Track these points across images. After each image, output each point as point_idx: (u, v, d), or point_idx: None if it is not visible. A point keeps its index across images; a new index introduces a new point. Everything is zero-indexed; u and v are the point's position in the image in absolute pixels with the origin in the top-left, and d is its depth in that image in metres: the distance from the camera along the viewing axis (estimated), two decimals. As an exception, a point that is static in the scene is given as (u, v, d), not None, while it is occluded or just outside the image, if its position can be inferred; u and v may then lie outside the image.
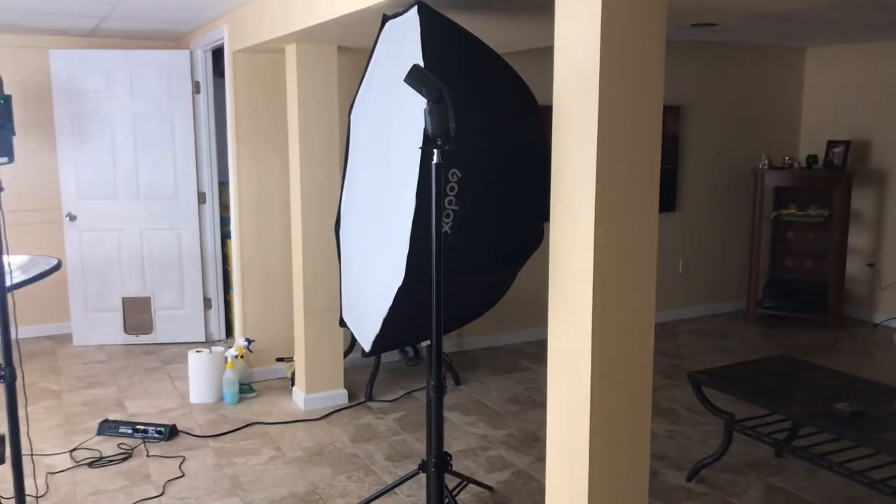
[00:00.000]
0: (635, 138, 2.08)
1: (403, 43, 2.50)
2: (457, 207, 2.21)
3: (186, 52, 5.50)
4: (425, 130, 2.15)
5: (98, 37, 5.81)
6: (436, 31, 2.32)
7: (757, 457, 3.81)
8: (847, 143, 6.15)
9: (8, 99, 1.99)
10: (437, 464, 2.02)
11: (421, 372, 5.18)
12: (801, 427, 3.62)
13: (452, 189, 2.17)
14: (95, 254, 5.63)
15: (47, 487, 3.49)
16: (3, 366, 2.19)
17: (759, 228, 6.37)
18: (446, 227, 2.25)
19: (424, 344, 2.69)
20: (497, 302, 2.74)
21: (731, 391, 3.34)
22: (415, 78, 1.83)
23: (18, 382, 4.87)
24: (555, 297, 2.20)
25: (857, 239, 6.46)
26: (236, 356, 4.59)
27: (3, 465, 3.55)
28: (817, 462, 3.05)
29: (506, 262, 2.54)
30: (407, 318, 2.37)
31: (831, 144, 6.26)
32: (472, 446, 3.97)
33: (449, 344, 5.58)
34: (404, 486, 3.48)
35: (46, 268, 2.86)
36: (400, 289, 2.23)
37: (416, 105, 2.31)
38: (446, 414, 4.39)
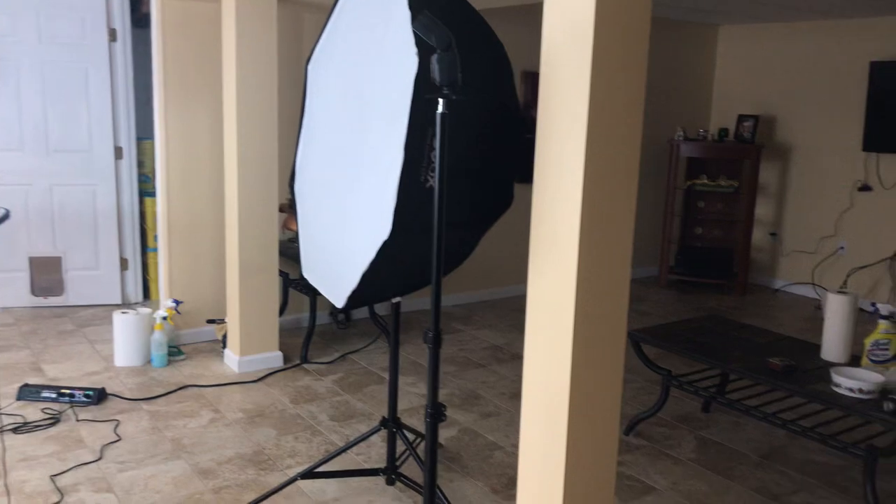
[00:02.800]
0: (623, 101, 2.12)
1: (381, -7, 2.45)
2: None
3: (103, -3, 5.16)
4: (417, 80, 2.12)
5: (0, -25, 5.37)
6: (421, -18, 2.28)
7: (686, 411, 4.02)
8: (756, 118, 6.48)
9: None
10: (433, 414, 2.04)
11: (352, 334, 5.15)
12: (728, 383, 3.85)
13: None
14: (-1, 210, 5.26)
15: (-29, 455, 3.27)
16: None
17: (673, 198, 6.65)
18: (431, 181, 2.24)
19: (395, 300, 2.67)
20: (463, 262, 2.75)
21: (670, 348, 3.51)
22: (424, 25, 1.80)
23: (-82, 346, 4.52)
24: (537, 255, 2.24)
25: (762, 209, 6.85)
26: (165, 318, 4.42)
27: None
28: (752, 414, 3.25)
29: (479, 220, 2.56)
30: (387, 273, 2.36)
31: (741, 119, 6.58)
32: (415, 405, 3.99)
33: (382, 307, 5.56)
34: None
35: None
36: (385, 242, 2.21)
37: (399, 56, 2.28)
38: (384, 375, 4.40)
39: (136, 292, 5.63)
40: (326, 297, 2.63)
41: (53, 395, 3.85)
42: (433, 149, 2.18)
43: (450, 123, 2.08)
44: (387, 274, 2.39)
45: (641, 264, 7.07)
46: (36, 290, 5.42)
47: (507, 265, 6.18)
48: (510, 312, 5.78)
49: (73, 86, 5.23)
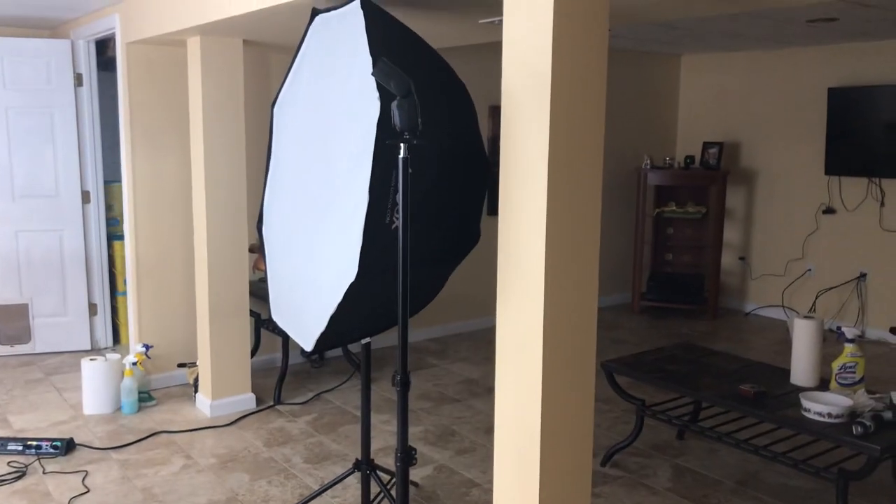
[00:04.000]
0: (583, 137, 2.16)
1: (342, 38, 2.48)
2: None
3: (67, 42, 5.16)
4: (380, 124, 2.14)
5: (-37, 22, 5.34)
6: (381, 29, 2.31)
7: (661, 440, 4.03)
8: (720, 145, 6.60)
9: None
10: (403, 458, 2.02)
11: (326, 373, 5.11)
12: (701, 410, 3.86)
13: (402, 184, 2.17)
14: (-36, 258, 5.18)
15: (-67, 513, 3.18)
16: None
17: (643, 225, 6.72)
18: (396, 223, 2.25)
19: (364, 341, 2.67)
20: (431, 300, 2.76)
21: (642, 378, 3.52)
22: (383, 72, 1.82)
23: None
24: (504, 290, 2.25)
25: (730, 234, 6.95)
26: (135, 363, 4.36)
27: None
28: (725, 441, 3.26)
29: (446, 258, 2.57)
30: (354, 314, 2.35)
31: (706, 146, 6.70)
32: (391, 444, 3.96)
33: (355, 344, 5.53)
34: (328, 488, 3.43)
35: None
36: (352, 284, 2.20)
37: (361, 100, 2.30)
38: (359, 413, 4.36)
39: (105, 338, 5.55)
40: (295, 339, 2.62)
41: (19, 448, 3.76)
42: (398, 190, 2.19)
43: (413, 165, 2.10)
44: (355, 316, 2.38)
45: (614, 291, 7.11)
46: (1, 338, 5.32)
47: (481, 296, 6.19)
48: (485, 344, 5.77)
49: (40, 131, 5.20)
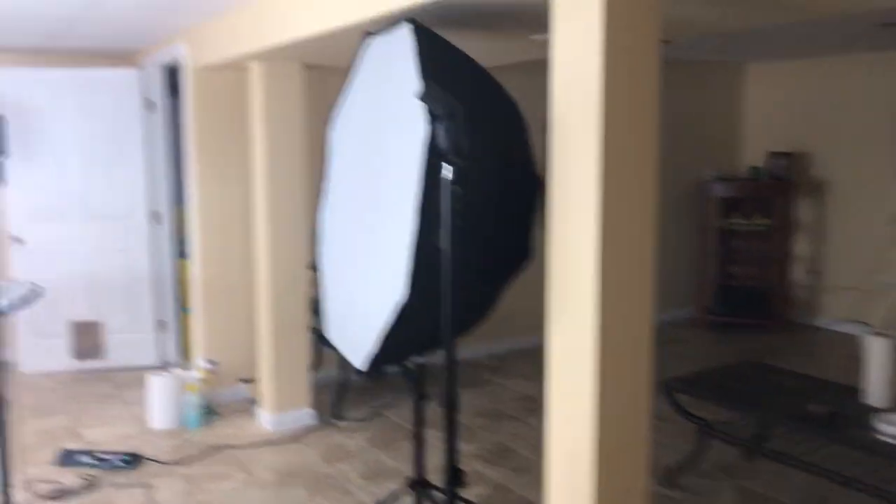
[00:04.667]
0: (635, 150, 2.12)
1: (393, 61, 2.50)
2: (458, 223, 2.21)
3: (138, 71, 5.36)
4: (429, 147, 2.15)
5: (43, 55, 5.61)
6: (430, 50, 2.32)
7: (728, 461, 3.90)
8: (789, 155, 6.40)
9: (2, 119, 1.88)
10: (451, 480, 2.01)
11: (384, 389, 5.13)
12: (770, 430, 3.73)
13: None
14: (42, 277, 5.40)
15: (9, 524, 3.32)
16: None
17: (708, 238, 6.56)
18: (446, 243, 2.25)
19: (418, 361, 2.68)
20: (486, 317, 2.74)
21: (706, 397, 3.43)
22: (429, 95, 1.83)
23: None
24: (557, 309, 2.22)
25: (801, 246, 6.72)
26: (200, 378, 4.47)
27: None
28: (791, 463, 3.14)
29: (497, 277, 2.55)
30: (405, 333, 2.36)
31: (774, 156, 6.50)
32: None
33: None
34: (385, 505, 3.44)
35: (26, 291, 2.73)
36: (402, 304, 2.21)
37: (412, 122, 2.31)
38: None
39: (173, 353, 5.71)
40: (348, 359, 2.64)
41: (90, 461, 3.90)
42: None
43: (462, 185, 2.10)
44: (406, 335, 2.39)
45: (679, 305, 6.95)
46: (77, 354, 5.54)
47: (539, 312, 6.12)
48: (543, 361, 5.70)
49: (112, 156, 5.41)
